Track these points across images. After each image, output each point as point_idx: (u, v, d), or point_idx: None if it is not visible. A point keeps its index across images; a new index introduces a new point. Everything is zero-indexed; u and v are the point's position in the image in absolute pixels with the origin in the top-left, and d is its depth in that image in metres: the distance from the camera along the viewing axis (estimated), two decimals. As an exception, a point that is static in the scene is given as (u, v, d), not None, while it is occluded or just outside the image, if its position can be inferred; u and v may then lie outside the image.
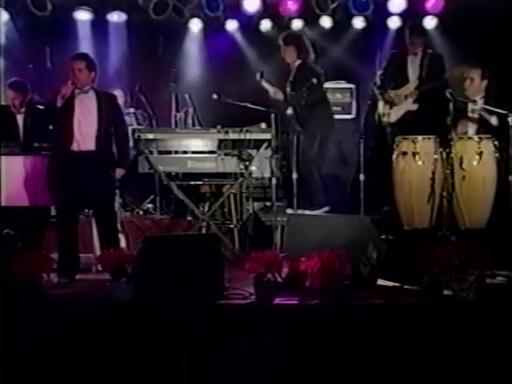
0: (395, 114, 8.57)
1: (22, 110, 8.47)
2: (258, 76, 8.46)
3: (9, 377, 5.15)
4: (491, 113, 7.67)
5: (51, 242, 7.33)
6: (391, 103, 8.59)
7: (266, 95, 8.50)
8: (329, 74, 8.92)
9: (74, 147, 7.03)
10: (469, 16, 9.19)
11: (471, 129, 7.81)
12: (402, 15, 9.49)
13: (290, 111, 8.19)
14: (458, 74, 8.06)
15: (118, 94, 8.78)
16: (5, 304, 5.37)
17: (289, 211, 8.13)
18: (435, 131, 7.64)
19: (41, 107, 8.27)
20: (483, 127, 7.69)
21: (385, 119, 8.54)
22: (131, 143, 8.12)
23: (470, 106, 7.83)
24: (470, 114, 7.84)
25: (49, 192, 7.15)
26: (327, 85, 8.84)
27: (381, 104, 8.53)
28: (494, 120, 7.69)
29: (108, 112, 7.13)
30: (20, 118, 8.46)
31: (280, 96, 8.39)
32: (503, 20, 9.05)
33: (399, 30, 9.57)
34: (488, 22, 9.11)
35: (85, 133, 7.04)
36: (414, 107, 8.59)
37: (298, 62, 8.38)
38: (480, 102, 7.80)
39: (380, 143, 8.24)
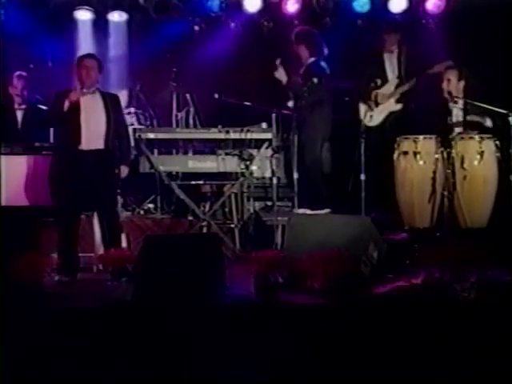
0: (378, 116, 8.52)
1: (23, 106, 8.48)
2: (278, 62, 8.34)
3: (9, 377, 5.15)
4: (484, 115, 7.66)
5: (51, 242, 7.33)
6: (374, 104, 8.54)
7: (267, 95, 8.50)
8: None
9: (83, 146, 7.06)
10: (469, 16, 9.17)
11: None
12: (402, 15, 9.47)
13: (290, 103, 8.17)
14: (437, 72, 8.05)
15: (123, 94, 8.80)
16: (5, 304, 5.37)
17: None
18: (423, 131, 7.64)
19: (42, 107, 8.28)
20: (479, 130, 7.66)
21: (366, 121, 8.47)
22: (132, 143, 8.14)
23: (451, 106, 7.80)
24: (453, 117, 7.79)
25: (50, 191, 7.13)
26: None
27: (361, 106, 8.50)
28: (488, 122, 7.68)
29: (113, 112, 7.22)
30: (19, 114, 8.47)
31: (284, 77, 8.24)
32: (504, 20, 9.04)
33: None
34: (488, 22, 9.10)
35: (94, 132, 7.10)
36: (398, 107, 8.53)
37: (310, 60, 8.33)
38: (460, 103, 7.78)
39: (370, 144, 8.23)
